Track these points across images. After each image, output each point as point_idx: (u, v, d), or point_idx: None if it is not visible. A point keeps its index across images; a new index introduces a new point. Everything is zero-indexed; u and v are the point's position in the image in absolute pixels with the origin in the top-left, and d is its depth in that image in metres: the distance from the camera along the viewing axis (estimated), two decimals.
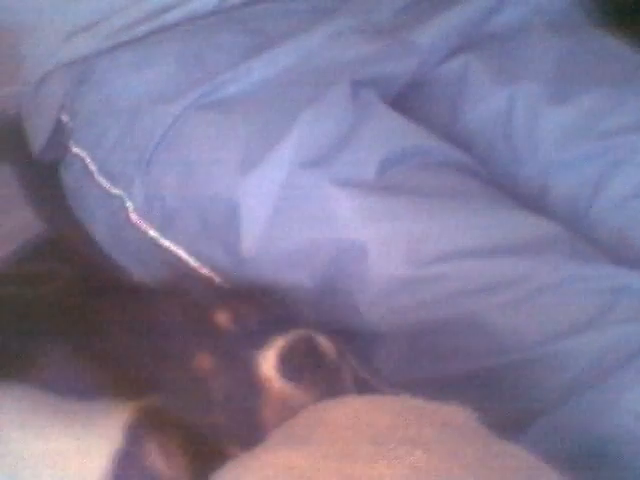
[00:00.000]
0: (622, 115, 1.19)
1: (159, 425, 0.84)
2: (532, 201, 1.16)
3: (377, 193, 1.06)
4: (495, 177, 1.17)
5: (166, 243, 1.13)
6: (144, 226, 1.14)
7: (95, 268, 1.18)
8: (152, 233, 1.14)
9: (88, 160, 1.18)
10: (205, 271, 1.11)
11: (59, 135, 1.24)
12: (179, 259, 1.12)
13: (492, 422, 0.77)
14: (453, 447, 0.74)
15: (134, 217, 1.14)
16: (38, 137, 1.25)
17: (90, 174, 1.18)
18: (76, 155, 1.20)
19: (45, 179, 1.28)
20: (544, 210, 1.13)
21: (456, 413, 0.80)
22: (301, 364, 0.86)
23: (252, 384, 0.86)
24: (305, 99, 1.13)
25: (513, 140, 1.20)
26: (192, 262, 1.12)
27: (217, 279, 1.10)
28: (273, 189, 1.06)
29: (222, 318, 0.91)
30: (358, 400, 0.82)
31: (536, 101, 1.20)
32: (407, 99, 1.25)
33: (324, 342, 0.89)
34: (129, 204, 1.14)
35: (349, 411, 0.80)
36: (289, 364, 0.86)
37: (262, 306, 0.95)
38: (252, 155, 1.08)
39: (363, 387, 1.01)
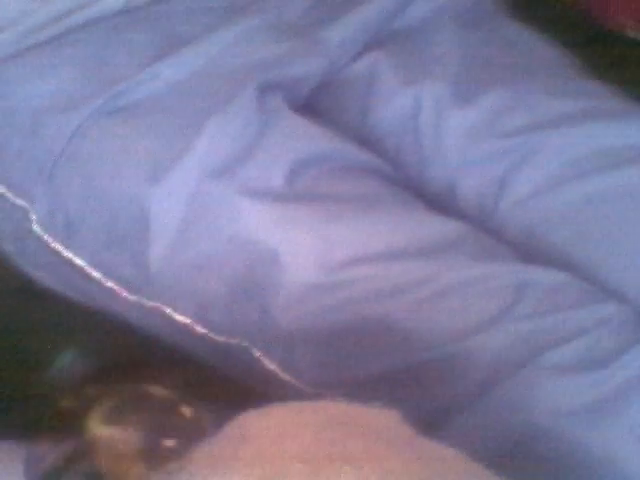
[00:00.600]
0: (524, 114, 1.20)
1: None
2: (440, 201, 1.17)
3: (286, 200, 1.06)
4: (404, 178, 1.18)
5: (69, 255, 1.10)
6: (47, 238, 1.11)
7: None
8: (55, 245, 1.11)
9: None
10: (110, 284, 1.09)
11: None
12: (81, 271, 1.10)
13: (410, 422, 0.78)
14: (382, 459, 0.73)
15: (37, 229, 1.12)
16: None
17: None
18: None
19: None
20: (453, 210, 1.17)
21: (381, 417, 0.79)
22: (121, 408, 0.90)
23: (88, 449, 0.89)
24: (212, 105, 1.10)
25: (420, 141, 1.20)
26: (94, 273, 1.10)
27: (121, 292, 1.09)
28: (181, 198, 1.05)
29: (66, 402, 0.98)
30: (280, 411, 0.80)
31: (440, 101, 1.20)
32: (317, 101, 1.25)
33: (155, 389, 0.92)
34: (33, 216, 1.11)
35: (271, 424, 0.79)
36: (110, 411, 0.90)
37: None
38: (160, 165, 1.06)
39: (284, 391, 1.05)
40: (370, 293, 1.03)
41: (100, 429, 0.92)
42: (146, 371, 1.06)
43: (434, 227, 1.08)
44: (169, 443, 0.92)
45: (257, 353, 1.07)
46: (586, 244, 1.13)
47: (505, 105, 1.20)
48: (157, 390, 0.95)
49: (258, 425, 0.79)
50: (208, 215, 1.05)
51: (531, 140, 1.18)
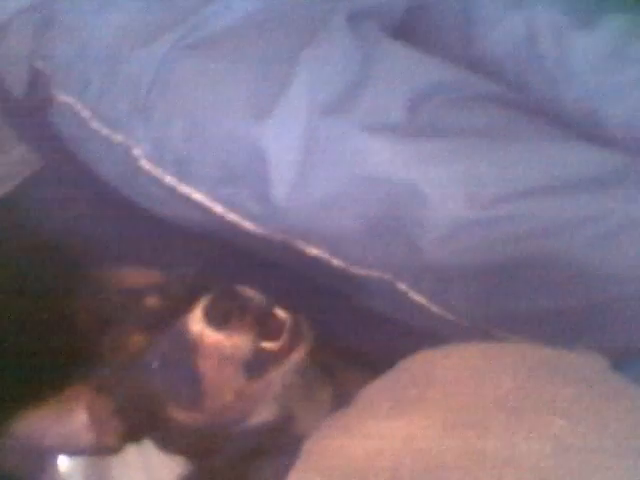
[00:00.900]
0: None
1: (93, 397, 0.95)
2: (581, 127, 1.07)
3: (414, 135, 0.99)
4: (531, 103, 1.09)
5: (186, 189, 1.05)
6: (159, 173, 1.06)
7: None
8: (168, 180, 1.05)
9: (78, 107, 1.09)
10: (232, 216, 1.04)
11: (40, 81, 1.14)
12: (201, 205, 1.05)
13: None
14: (597, 411, 0.63)
15: (146, 164, 1.06)
16: (16, 86, 1.16)
17: (84, 121, 1.09)
18: (64, 103, 1.10)
19: (34, 119, 1.20)
20: (597, 137, 1.05)
21: (588, 363, 0.69)
22: (225, 312, 0.90)
23: (185, 344, 0.92)
24: (300, 35, 1.03)
25: (545, 65, 1.10)
26: (217, 208, 1.04)
27: (246, 224, 1.04)
28: (295, 136, 0.99)
29: (151, 301, 0.99)
30: (470, 349, 0.71)
31: (558, 27, 1.10)
32: (408, 27, 1.15)
33: (249, 291, 0.92)
34: (137, 151, 1.06)
35: (463, 365, 0.69)
36: (214, 314, 0.90)
37: (189, 278, 1.01)
38: (261, 100, 1.01)
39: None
40: (536, 230, 0.96)
41: (206, 332, 0.90)
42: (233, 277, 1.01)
43: (593, 159, 0.99)
44: (269, 345, 0.91)
45: (402, 286, 1.02)
46: None
47: (629, 29, 1.09)
48: (250, 292, 0.92)
49: (443, 365, 0.70)
50: (329, 154, 1.00)
51: None
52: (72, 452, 1.03)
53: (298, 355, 0.93)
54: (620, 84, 1.09)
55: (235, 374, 0.92)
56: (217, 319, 0.90)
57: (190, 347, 0.91)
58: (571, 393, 0.64)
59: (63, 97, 1.10)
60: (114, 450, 0.99)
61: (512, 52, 1.13)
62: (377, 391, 0.71)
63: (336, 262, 1.04)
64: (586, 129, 1.07)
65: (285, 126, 1.00)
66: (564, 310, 0.96)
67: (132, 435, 0.99)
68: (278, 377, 0.93)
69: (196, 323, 0.91)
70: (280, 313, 0.93)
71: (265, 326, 0.91)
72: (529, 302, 0.98)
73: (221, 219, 1.05)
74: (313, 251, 1.04)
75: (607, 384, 0.67)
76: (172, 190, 1.05)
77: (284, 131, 1.00)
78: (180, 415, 0.96)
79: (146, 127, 1.05)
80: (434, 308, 1.02)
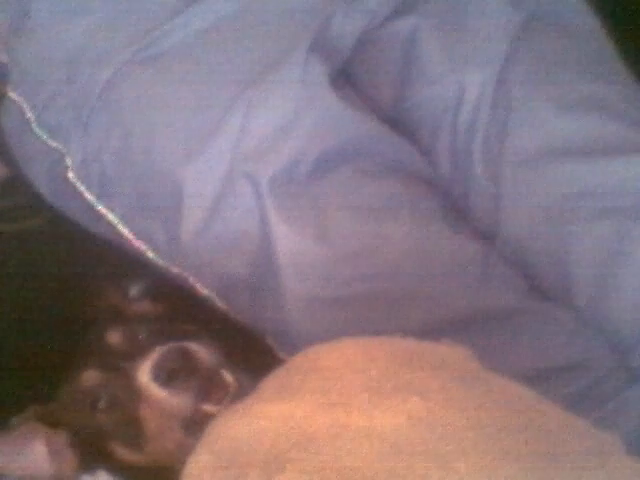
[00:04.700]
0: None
1: (49, 426, 1.01)
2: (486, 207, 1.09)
3: (307, 198, 1.05)
4: (439, 178, 1.12)
5: (102, 209, 1.11)
6: (81, 187, 1.11)
7: None
8: (88, 196, 1.11)
9: (25, 107, 1.14)
10: (139, 244, 1.10)
11: (2, 73, 1.19)
12: (113, 227, 1.11)
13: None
14: (450, 392, 0.72)
15: (72, 176, 1.12)
16: None
17: (27, 123, 1.14)
18: (14, 101, 1.15)
19: None
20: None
21: (449, 353, 0.79)
22: (172, 371, 0.94)
23: (132, 392, 0.96)
24: (252, 65, 1.08)
25: (457, 137, 1.11)
26: (126, 232, 1.11)
27: (149, 254, 1.10)
28: (216, 180, 1.05)
29: (113, 337, 1.03)
30: (350, 344, 0.80)
31: (482, 97, 1.10)
32: (354, 69, 1.18)
33: (200, 350, 0.96)
34: (68, 161, 1.11)
35: (341, 356, 0.78)
36: (161, 371, 0.94)
37: (154, 322, 1.05)
38: (194, 139, 1.06)
39: None
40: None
41: (151, 387, 0.95)
42: (187, 325, 1.05)
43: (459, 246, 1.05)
44: (210, 408, 0.94)
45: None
46: None
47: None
48: (201, 351, 0.96)
49: (327, 357, 0.79)
50: (237, 198, 1.05)
51: None
52: None
53: None
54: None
55: (174, 429, 0.96)
56: (163, 376, 0.94)
57: (136, 394, 0.96)
58: (427, 376, 0.74)
59: (14, 95, 1.15)
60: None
61: (436, 115, 1.13)
62: (268, 379, 0.80)
63: (222, 305, 1.10)
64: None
65: (208, 170, 1.06)
66: None
67: (86, 466, 1.04)
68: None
69: (144, 375, 0.95)
70: (227, 376, 0.96)
71: (209, 388, 0.95)
72: None
73: (129, 242, 1.10)
74: (203, 290, 1.10)
75: (464, 370, 0.77)
76: (90, 207, 1.11)
77: (206, 175, 1.06)
78: (125, 454, 1.01)
79: (82, 141, 1.10)
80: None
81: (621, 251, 0.98)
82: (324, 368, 0.77)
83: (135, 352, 0.98)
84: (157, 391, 0.94)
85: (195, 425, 0.93)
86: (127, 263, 1.14)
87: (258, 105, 1.06)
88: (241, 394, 0.91)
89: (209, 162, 1.05)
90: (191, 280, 1.09)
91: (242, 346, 1.06)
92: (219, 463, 0.71)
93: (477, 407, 0.71)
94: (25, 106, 1.14)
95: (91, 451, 1.03)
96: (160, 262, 1.10)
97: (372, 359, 0.76)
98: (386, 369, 0.75)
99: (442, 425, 0.69)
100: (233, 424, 0.76)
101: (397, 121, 1.14)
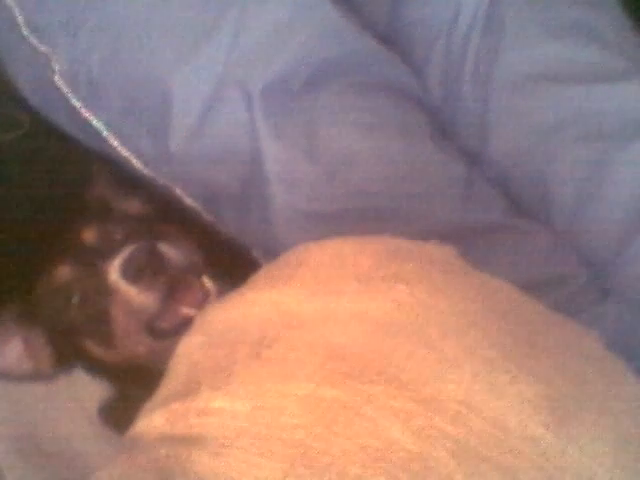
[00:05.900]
0: None
1: (26, 323, 1.04)
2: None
3: (298, 113, 1.04)
4: (428, 98, 1.12)
5: (88, 114, 1.09)
6: (68, 93, 1.10)
7: None
8: (74, 101, 1.10)
9: (16, 11, 1.12)
10: (125, 152, 1.09)
11: None
12: (98, 133, 1.09)
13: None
14: (436, 282, 0.75)
15: (59, 80, 1.10)
16: None
17: (17, 26, 1.12)
18: (5, 6, 1.12)
19: None
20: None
21: (437, 250, 0.81)
22: (140, 268, 0.95)
23: (102, 289, 0.98)
24: None
25: (449, 58, 1.11)
26: (112, 140, 1.09)
27: (135, 162, 1.09)
28: (207, 85, 1.04)
29: (88, 235, 1.04)
30: (341, 242, 0.82)
31: (477, 14, 1.10)
32: None
33: (170, 251, 0.97)
34: (55, 65, 1.09)
35: (332, 252, 0.81)
36: (129, 268, 0.95)
37: (128, 222, 1.06)
38: (185, 44, 1.04)
39: None
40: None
41: (120, 283, 0.96)
42: (166, 227, 1.06)
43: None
44: (188, 311, 0.95)
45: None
46: None
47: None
48: (171, 252, 0.97)
49: (318, 252, 0.81)
50: (228, 107, 1.03)
51: None
52: (11, 379, 1.09)
53: None
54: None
55: (142, 329, 0.97)
56: (131, 273, 0.95)
57: (106, 292, 0.97)
58: (415, 268, 0.76)
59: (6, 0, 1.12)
60: (48, 376, 1.07)
61: (430, 36, 1.13)
62: (260, 273, 0.83)
63: (207, 217, 1.10)
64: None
65: (199, 76, 1.04)
66: None
67: (63, 362, 1.07)
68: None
69: (114, 272, 0.96)
70: (207, 282, 0.97)
71: (180, 289, 0.96)
72: None
73: (115, 151, 1.09)
74: (189, 201, 1.09)
75: (450, 265, 0.79)
76: (77, 112, 1.09)
77: (197, 81, 1.04)
78: (96, 350, 1.03)
79: (71, 44, 1.08)
80: None
81: (601, 172, 1.00)
82: (315, 262, 0.80)
83: (110, 250, 0.99)
84: (125, 287, 0.96)
85: (168, 329, 0.95)
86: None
87: (253, 10, 1.05)
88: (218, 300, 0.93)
89: (201, 67, 1.04)
90: (178, 192, 1.09)
91: (228, 257, 1.07)
92: (210, 342, 0.74)
93: (461, 296, 0.74)
94: (16, 11, 1.12)
95: (67, 348, 1.04)
96: (146, 172, 1.09)
97: (363, 253, 0.79)
98: (375, 262, 0.77)
99: (427, 310, 0.71)
100: (225, 309, 0.78)
101: (390, 40, 1.14)
